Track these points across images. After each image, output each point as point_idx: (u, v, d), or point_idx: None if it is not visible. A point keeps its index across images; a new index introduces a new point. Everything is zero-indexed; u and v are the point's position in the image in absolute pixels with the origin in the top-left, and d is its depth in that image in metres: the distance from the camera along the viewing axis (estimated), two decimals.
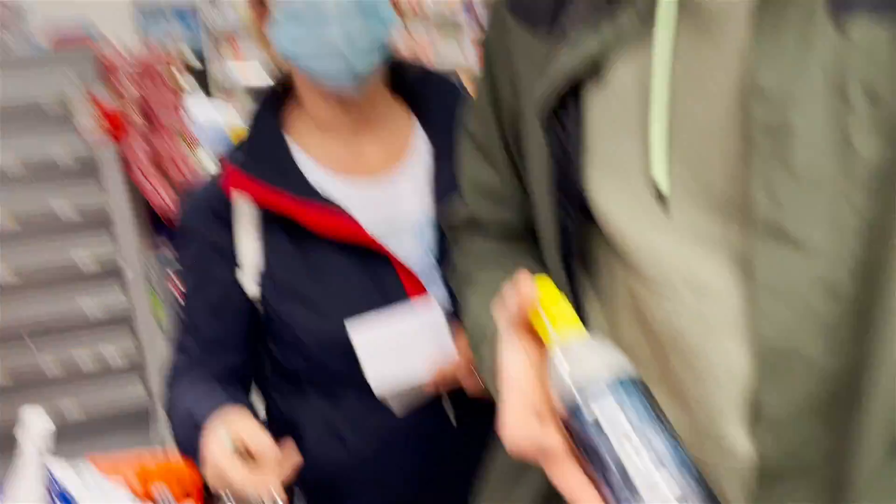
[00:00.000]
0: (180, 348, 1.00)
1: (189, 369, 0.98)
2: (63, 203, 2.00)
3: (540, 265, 0.68)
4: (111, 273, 2.06)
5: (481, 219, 0.76)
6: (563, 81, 0.56)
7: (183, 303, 1.00)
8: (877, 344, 0.46)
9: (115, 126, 2.02)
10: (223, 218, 0.95)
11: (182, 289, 1.01)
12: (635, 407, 0.46)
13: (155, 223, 2.19)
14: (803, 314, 0.48)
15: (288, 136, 0.98)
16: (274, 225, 0.94)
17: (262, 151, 0.95)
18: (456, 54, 5.09)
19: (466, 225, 0.78)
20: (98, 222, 2.04)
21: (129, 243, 2.05)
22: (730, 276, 0.51)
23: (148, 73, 2.07)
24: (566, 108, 0.57)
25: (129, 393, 2.14)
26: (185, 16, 5.74)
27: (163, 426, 1.95)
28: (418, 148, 1.01)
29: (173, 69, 2.19)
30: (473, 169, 0.75)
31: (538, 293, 0.52)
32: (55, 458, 0.96)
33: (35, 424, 0.94)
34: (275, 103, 1.00)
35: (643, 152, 0.53)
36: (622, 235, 0.57)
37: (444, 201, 0.88)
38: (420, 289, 0.94)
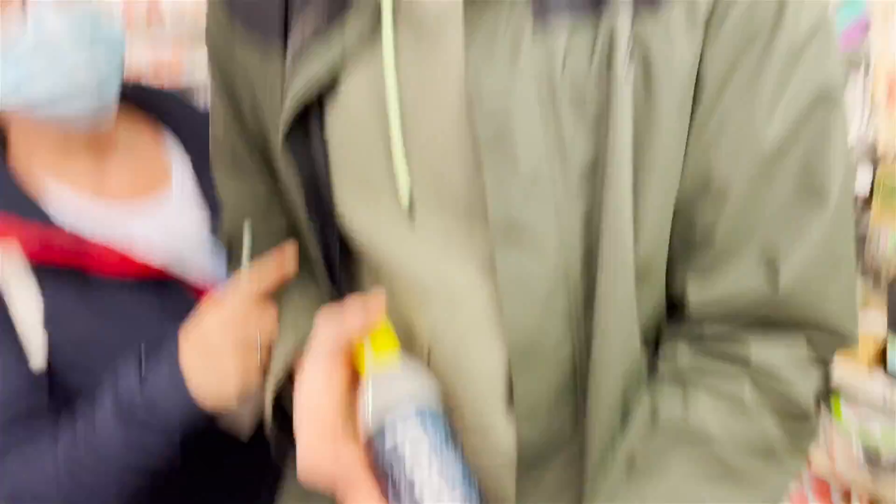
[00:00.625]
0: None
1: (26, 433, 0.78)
2: None
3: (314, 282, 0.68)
4: None
5: (255, 235, 0.73)
6: (298, 103, 0.55)
7: None
8: (598, 322, 0.50)
9: None
10: None
11: None
12: (431, 434, 0.49)
13: None
14: (543, 306, 0.51)
15: (18, 166, 0.85)
16: (46, 276, 0.79)
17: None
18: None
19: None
20: None
21: None
22: (478, 278, 0.54)
23: None
24: (308, 127, 0.57)
25: None
26: None
27: None
28: (177, 164, 0.95)
29: None
30: (230, 188, 0.73)
31: (365, 321, 0.54)
32: None
33: None
34: None
35: (386, 165, 0.54)
36: (376, 250, 0.58)
37: (218, 214, 0.83)
38: None
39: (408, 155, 0.53)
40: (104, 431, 0.74)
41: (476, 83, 0.48)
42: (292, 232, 0.71)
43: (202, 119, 0.89)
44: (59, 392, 0.80)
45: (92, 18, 0.79)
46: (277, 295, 0.72)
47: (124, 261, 0.81)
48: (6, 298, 0.79)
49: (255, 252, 0.73)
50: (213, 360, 0.71)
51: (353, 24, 0.53)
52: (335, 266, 0.62)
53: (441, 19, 0.51)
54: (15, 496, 0.77)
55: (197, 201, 0.94)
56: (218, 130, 0.71)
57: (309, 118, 0.56)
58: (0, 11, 0.74)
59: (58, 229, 0.80)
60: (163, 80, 1.02)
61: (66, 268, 0.79)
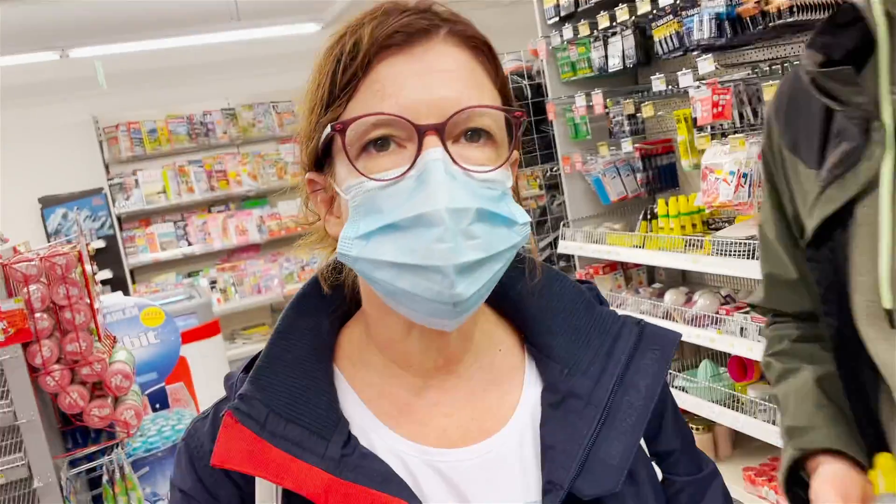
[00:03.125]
0: None
1: None
2: None
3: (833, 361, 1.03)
4: (19, 485, 1.95)
5: (783, 309, 1.14)
6: (819, 222, 0.93)
7: None
8: None
9: (21, 332, 1.95)
10: (236, 480, 0.75)
11: None
12: None
13: (64, 426, 2.10)
14: None
15: (337, 368, 0.79)
16: (297, 497, 0.71)
17: (290, 400, 0.74)
18: None
19: (770, 312, 1.18)
20: (4, 432, 1.95)
21: (38, 453, 1.95)
22: None
23: (55, 273, 2.02)
24: (832, 234, 0.93)
25: None
26: (92, 203, 5.83)
27: None
28: (528, 396, 0.79)
29: (83, 265, 2.14)
30: (769, 265, 1.11)
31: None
32: None
33: None
34: (320, 314, 0.80)
35: (874, 273, 0.87)
36: (877, 356, 0.92)
37: (555, 486, 0.71)
38: None
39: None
40: None
41: None
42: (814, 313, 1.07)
43: (582, 327, 0.79)
44: None
45: None
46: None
47: None
48: None
49: (779, 305, 1.16)
50: None
51: (864, 172, 0.89)
52: (844, 353, 0.97)
53: None
54: None
55: (532, 454, 0.76)
56: (764, 217, 1.12)
57: (835, 228, 0.93)
58: None
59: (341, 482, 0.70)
60: None
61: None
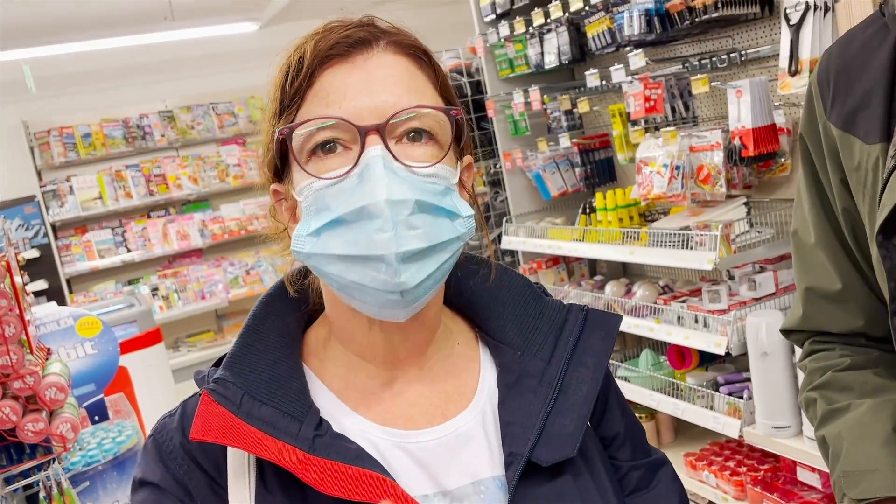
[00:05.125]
0: None
1: None
2: None
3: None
4: None
5: (826, 328, 0.91)
6: (888, 211, 0.72)
7: None
8: None
9: None
10: (206, 469, 0.77)
11: None
12: None
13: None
14: None
15: (304, 364, 0.83)
16: (272, 477, 0.76)
17: (265, 384, 0.78)
18: None
19: (810, 337, 0.94)
20: None
21: None
22: None
23: None
24: None
25: None
26: (24, 211, 5.66)
27: None
28: (485, 380, 0.86)
29: (11, 275, 2.08)
30: (809, 277, 0.89)
31: None
32: None
33: None
34: (287, 313, 0.85)
35: None
36: None
37: (515, 456, 0.76)
38: None
39: None
40: None
41: None
42: (866, 331, 0.89)
43: (530, 317, 0.86)
44: None
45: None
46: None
47: (379, 494, 0.73)
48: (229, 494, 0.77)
49: (821, 325, 0.93)
50: None
51: None
52: None
53: None
54: None
55: (493, 433, 0.82)
56: (798, 218, 0.94)
57: None
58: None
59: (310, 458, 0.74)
60: None
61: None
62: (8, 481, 2.04)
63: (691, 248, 2.38)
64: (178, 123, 6.20)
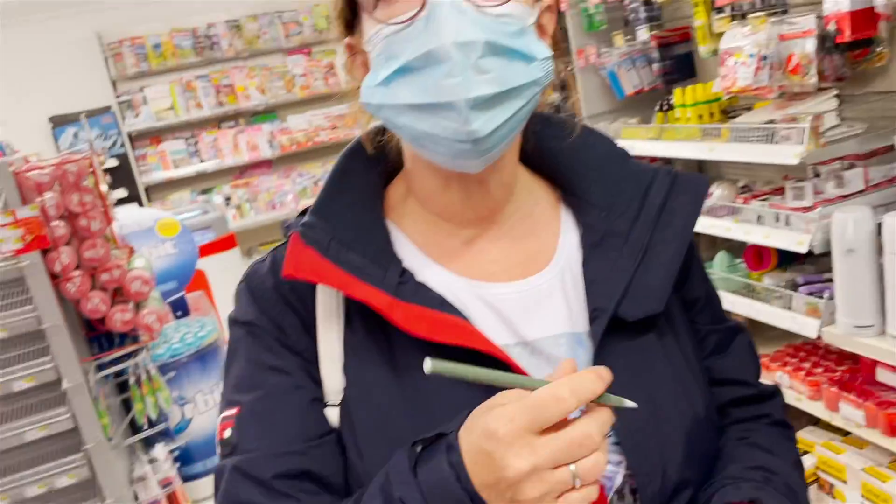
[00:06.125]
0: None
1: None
2: None
3: None
4: (49, 388, 2.01)
5: None
6: None
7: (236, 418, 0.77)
8: None
9: (38, 238, 1.97)
10: (297, 310, 0.78)
11: (233, 400, 0.79)
12: None
13: (90, 332, 2.14)
14: None
15: (387, 218, 0.83)
16: (358, 319, 0.77)
17: (351, 231, 0.78)
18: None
19: None
20: (30, 338, 1.99)
21: (65, 356, 2.00)
22: None
23: (67, 181, 2.01)
24: None
25: None
26: (101, 122, 5.78)
27: None
28: (566, 241, 0.84)
29: (95, 175, 2.14)
30: None
31: None
32: None
33: None
34: (368, 169, 0.84)
35: None
36: None
37: (601, 311, 0.76)
38: None
39: None
40: None
41: None
42: None
43: (616, 181, 0.83)
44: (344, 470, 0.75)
45: None
46: None
47: (462, 335, 0.72)
48: (319, 334, 0.78)
49: None
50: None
51: None
52: None
53: None
54: None
55: (574, 292, 0.81)
56: None
57: None
58: None
59: (398, 301, 0.74)
60: None
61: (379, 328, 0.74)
62: (100, 368, 2.15)
63: (776, 143, 2.26)
64: (244, 33, 6.18)
